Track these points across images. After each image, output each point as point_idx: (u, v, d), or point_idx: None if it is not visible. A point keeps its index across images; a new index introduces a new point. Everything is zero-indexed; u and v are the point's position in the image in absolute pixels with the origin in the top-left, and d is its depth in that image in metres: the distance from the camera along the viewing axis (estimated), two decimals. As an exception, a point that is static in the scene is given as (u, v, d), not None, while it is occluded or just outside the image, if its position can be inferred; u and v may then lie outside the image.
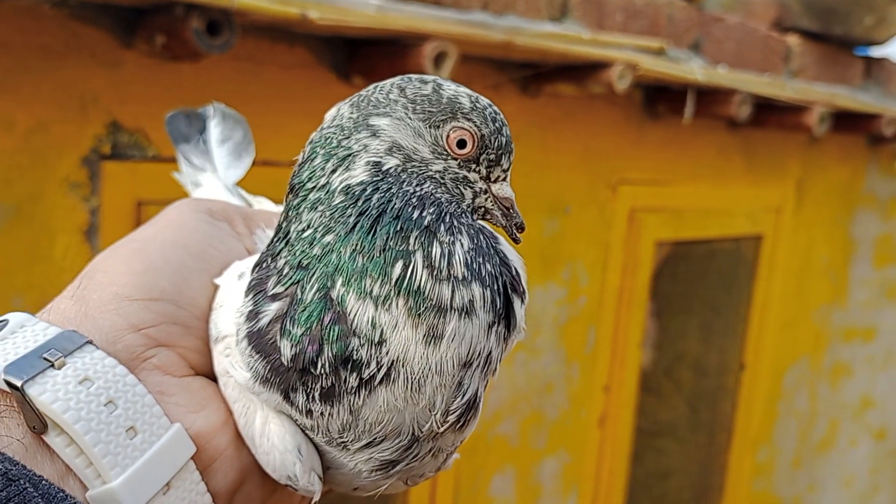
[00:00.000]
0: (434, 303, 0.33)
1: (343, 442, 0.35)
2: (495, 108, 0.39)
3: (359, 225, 0.34)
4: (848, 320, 2.88)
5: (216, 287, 0.40)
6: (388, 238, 0.34)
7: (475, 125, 0.38)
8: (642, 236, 1.95)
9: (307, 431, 0.36)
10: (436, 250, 0.34)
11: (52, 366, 0.31)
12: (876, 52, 2.28)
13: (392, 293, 0.33)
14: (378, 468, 0.36)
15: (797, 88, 1.88)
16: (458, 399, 0.35)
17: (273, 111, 1.31)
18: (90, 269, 0.37)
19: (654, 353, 2.15)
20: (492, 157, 0.38)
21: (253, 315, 0.35)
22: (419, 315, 0.33)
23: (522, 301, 0.37)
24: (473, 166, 0.38)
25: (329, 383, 0.34)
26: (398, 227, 0.34)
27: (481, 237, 0.36)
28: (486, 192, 0.38)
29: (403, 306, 0.33)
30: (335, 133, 0.38)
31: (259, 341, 0.35)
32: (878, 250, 2.93)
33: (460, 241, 0.35)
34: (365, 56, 1.31)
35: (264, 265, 0.37)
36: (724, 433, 2.47)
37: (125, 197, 1.18)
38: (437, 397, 0.34)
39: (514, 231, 0.39)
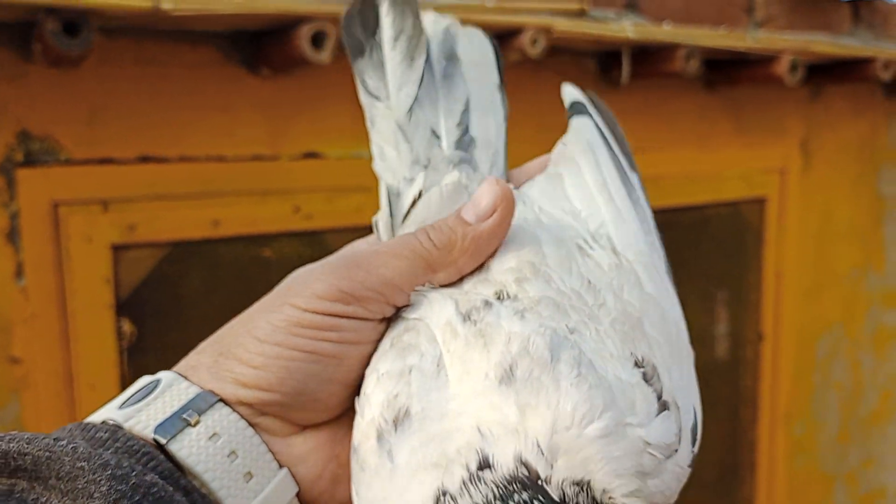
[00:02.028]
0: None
1: None
2: None
3: None
4: (888, 284, 2.71)
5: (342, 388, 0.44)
6: None
7: None
8: (616, 207, 1.92)
9: None
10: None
11: (189, 424, 0.40)
12: (869, -5, 2.17)
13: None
14: None
15: (759, 38, 1.82)
16: None
17: (186, 109, 1.38)
18: (219, 336, 0.45)
19: (649, 327, 2.09)
20: None
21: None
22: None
23: None
24: None
25: None
26: None
27: None
28: None
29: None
30: None
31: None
32: (918, 207, 2.76)
33: None
34: (264, 47, 1.36)
35: None
36: (749, 407, 2.37)
37: (42, 200, 1.27)
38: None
39: None
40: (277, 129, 1.46)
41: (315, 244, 1.51)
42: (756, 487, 2.43)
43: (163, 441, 0.40)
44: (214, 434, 0.41)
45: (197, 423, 0.41)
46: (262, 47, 1.37)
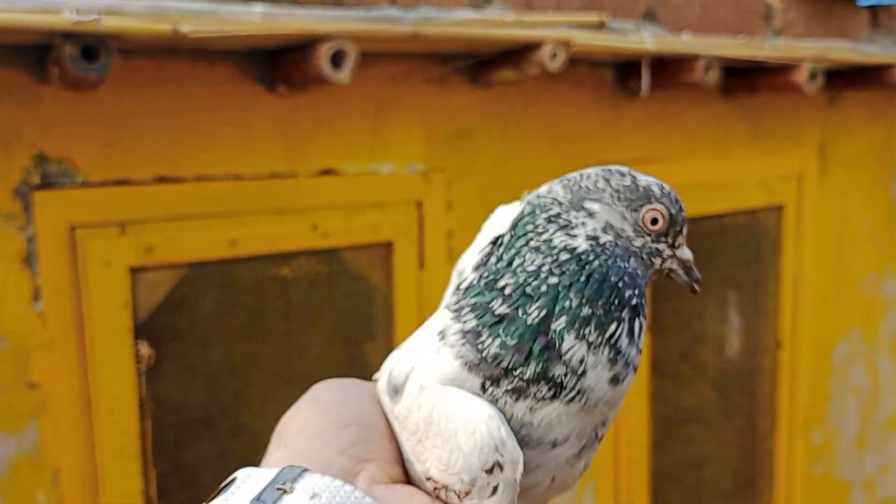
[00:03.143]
0: (624, 359, 0.45)
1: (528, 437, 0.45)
2: (675, 192, 0.50)
3: (589, 283, 0.45)
4: (906, 288, 2.68)
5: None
6: (611, 303, 0.45)
7: (665, 207, 0.48)
8: (633, 217, 1.90)
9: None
10: (637, 325, 0.46)
11: (286, 492, 0.40)
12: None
13: (603, 343, 0.45)
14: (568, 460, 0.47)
15: (778, 46, 1.79)
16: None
17: (203, 127, 1.36)
18: (281, 428, 0.47)
19: (668, 337, 2.07)
20: (677, 229, 0.49)
21: (468, 320, 0.46)
22: (615, 363, 0.45)
23: None
24: (663, 239, 0.49)
25: (523, 386, 0.44)
26: (617, 299, 0.45)
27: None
28: (672, 256, 0.49)
29: (607, 355, 0.45)
30: (552, 204, 0.48)
31: (471, 335, 0.45)
32: (935, 210, 2.73)
33: (644, 323, 0.47)
34: (282, 65, 1.34)
35: (482, 283, 0.48)
36: (767, 416, 2.35)
37: (59, 223, 1.25)
38: (609, 415, 0.47)
39: (693, 284, 0.51)
40: (294, 146, 1.45)
41: (332, 262, 1.49)
42: (774, 496, 2.41)
43: None
44: (315, 494, 0.40)
45: (292, 490, 0.40)
46: (279, 65, 1.35)
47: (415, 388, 0.46)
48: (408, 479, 0.47)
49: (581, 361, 0.44)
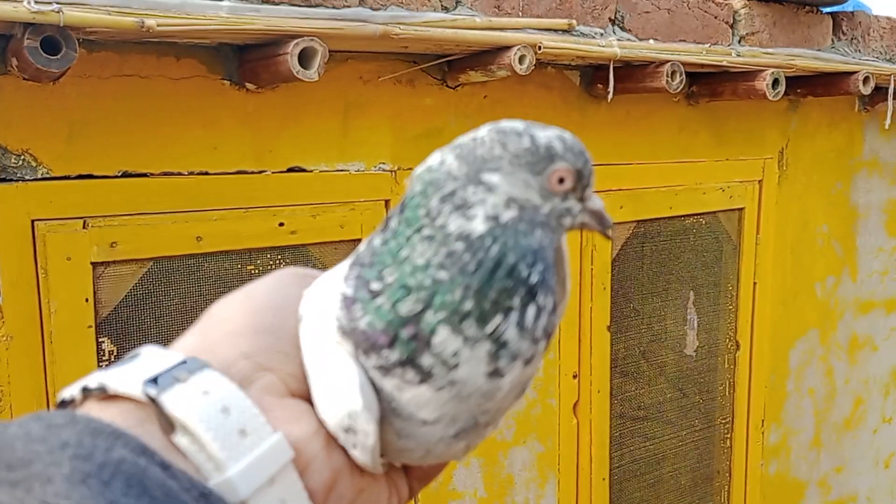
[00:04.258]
0: (511, 352, 0.42)
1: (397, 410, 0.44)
2: (577, 139, 0.46)
3: (478, 274, 0.41)
4: (862, 292, 2.75)
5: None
6: (499, 293, 0.41)
7: (570, 163, 0.44)
8: (598, 219, 1.92)
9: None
10: (530, 313, 0.42)
11: (179, 381, 0.39)
12: (848, 7, 2.19)
13: (483, 338, 0.41)
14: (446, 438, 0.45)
15: (742, 53, 1.82)
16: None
17: (167, 123, 1.35)
18: (208, 314, 0.46)
19: (629, 337, 2.10)
20: (584, 182, 0.45)
21: (350, 286, 0.44)
22: (497, 358, 0.41)
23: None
24: (572, 195, 0.45)
25: (390, 367, 0.42)
26: (509, 285, 0.41)
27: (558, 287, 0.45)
28: (582, 210, 0.45)
29: (487, 350, 0.41)
30: (446, 179, 0.43)
31: (347, 302, 0.43)
32: (891, 217, 2.80)
33: (550, 303, 0.43)
34: (249, 61, 1.34)
35: (368, 265, 0.44)
36: (725, 415, 2.39)
37: (19, 217, 1.23)
38: (487, 405, 0.44)
39: (606, 231, 0.47)
40: (262, 143, 1.44)
41: (299, 259, 1.49)
42: (731, 493, 2.46)
43: (153, 393, 0.38)
44: (206, 391, 0.39)
45: (187, 380, 0.39)
46: (247, 61, 1.35)
47: (308, 327, 0.45)
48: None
49: (454, 354, 0.41)
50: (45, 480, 0.32)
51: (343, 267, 0.47)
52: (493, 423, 0.47)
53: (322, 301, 0.46)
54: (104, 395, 0.40)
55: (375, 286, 0.43)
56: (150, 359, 0.41)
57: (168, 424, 0.39)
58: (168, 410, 0.38)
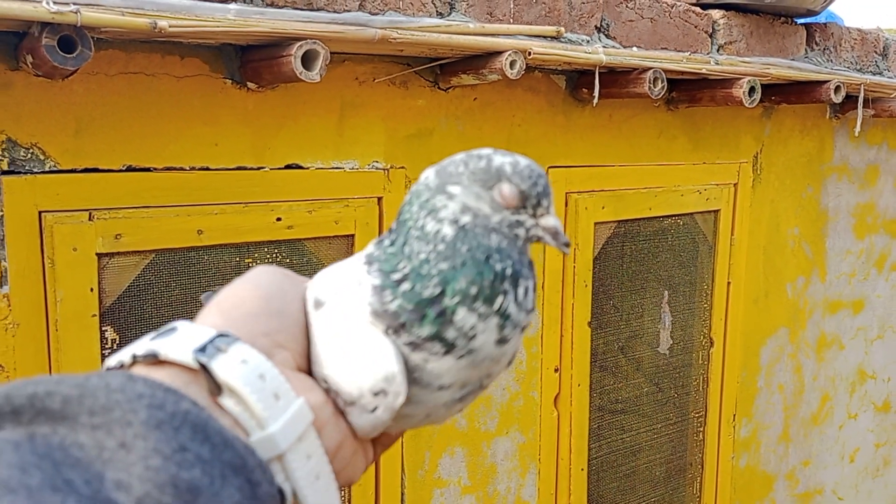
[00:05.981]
0: (513, 322, 0.51)
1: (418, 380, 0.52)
2: (534, 166, 0.54)
3: (469, 264, 0.51)
4: (830, 293, 2.85)
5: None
6: (493, 279, 0.51)
7: (514, 183, 0.52)
8: (580, 218, 1.99)
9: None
10: (521, 291, 0.52)
11: (221, 351, 0.45)
12: (821, 19, 2.28)
13: (492, 314, 0.50)
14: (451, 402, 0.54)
15: (721, 62, 1.90)
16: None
17: (171, 119, 1.39)
18: (221, 298, 0.52)
19: (608, 333, 2.17)
20: (533, 201, 0.53)
21: (376, 277, 0.52)
22: (503, 328, 0.51)
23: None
24: (522, 210, 0.53)
25: (419, 342, 0.50)
26: (497, 275, 0.51)
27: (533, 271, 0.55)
28: (535, 225, 0.54)
29: (496, 322, 0.51)
30: (424, 190, 0.53)
31: (377, 290, 0.51)
32: (859, 221, 2.90)
33: (532, 283, 0.53)
34: (251, 62, 1.39)
35: (384, 260, 0.53)
36: (698, 409, 2.48)
37: (27, 208, 1.27)
38: (493, 369, 0.53)
39: (562, 247, 0.55)
40: (261, 140, 1.49)
41: (296, 253, 1.54)
42: (703, 484, 2.54)
43: (204, 360, 0.44)
44: (244, 360, 0.45)
45: (226, 350, 0.45)
46: (249, 62, 1.39)
47: (335, 311, 0.52)
48: (310, 374, 0.53)
49: (472, 328, 0.50)
50: (125, 424, 0.38)
51: (346, 264, 0.55)
52: (487, 386, 0.57)
53: (345, 290, 0.53)
54: (153, 360, 0.46)
55: (397, 276, 0.52)
56: (189, 332, 0.47)
57: (216, 387, 0.45)
58: (217, 375, 0.45)
